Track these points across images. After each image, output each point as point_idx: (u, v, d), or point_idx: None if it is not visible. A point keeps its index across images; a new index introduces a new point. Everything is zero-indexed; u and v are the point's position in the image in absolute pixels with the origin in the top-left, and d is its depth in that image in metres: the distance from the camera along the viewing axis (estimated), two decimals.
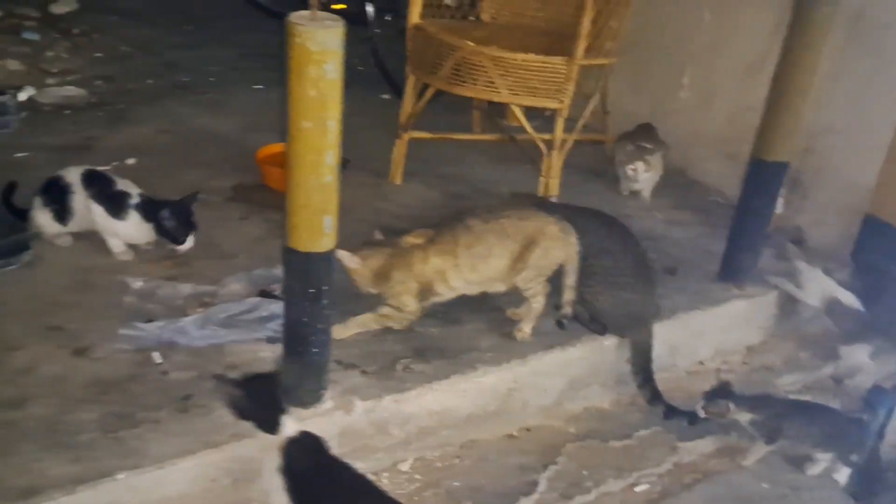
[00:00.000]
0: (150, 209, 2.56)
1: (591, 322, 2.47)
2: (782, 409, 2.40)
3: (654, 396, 2.42)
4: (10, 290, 2.39)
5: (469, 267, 2.28)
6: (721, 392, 2.36)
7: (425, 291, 2.31)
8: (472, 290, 2.37)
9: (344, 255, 2.19)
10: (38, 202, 2.58)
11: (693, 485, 2.31)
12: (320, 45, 1.66)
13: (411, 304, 2.31)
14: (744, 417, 2.36)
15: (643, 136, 3.26)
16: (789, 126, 2.57)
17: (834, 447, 2.38)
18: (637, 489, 2.28)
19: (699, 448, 2.41)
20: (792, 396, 2.59)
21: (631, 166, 3.17)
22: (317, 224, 1.86)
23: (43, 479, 1.79)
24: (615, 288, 2.41)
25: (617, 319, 2.44)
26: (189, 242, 2.58)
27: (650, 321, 2.45)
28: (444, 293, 2.33)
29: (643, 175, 3.18)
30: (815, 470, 2.39)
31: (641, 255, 2.47)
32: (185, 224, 2.58)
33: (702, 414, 2.34)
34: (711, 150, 3.45)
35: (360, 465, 2.15)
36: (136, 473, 1.84)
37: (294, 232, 1.88)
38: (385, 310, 2.33)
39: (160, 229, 2.56)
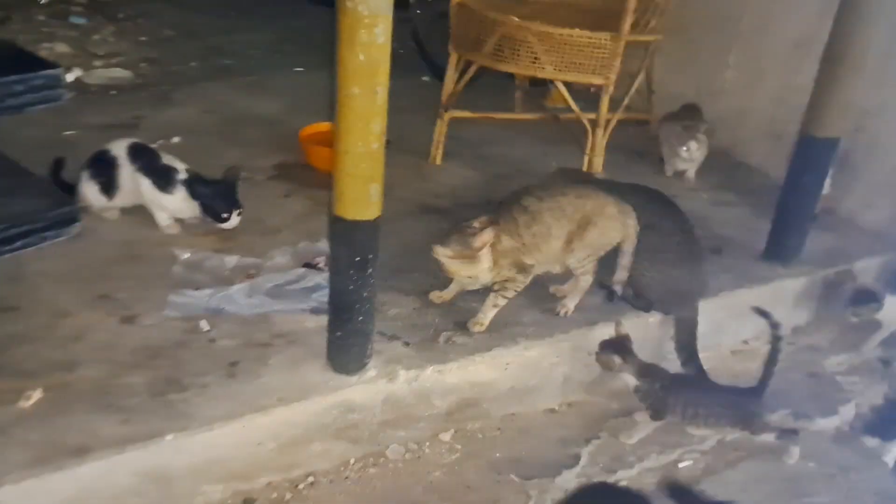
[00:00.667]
0: (195, 186, 2.59)
1: (636, 299, 2.45)
2: (668, 383, 2.26)
3: (699, 374, 2.39)
4: (59, 261, 2.44)
5: (533, 246, 2.27)
6: (615, 345, 2.25)
7: (517, 265, 2.27)
8: (546, 269, 2.34)
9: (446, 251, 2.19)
10: (85, 175, 2.63)
11: (737, 462, 2.28)
12: (371, 8, 1.67)
13: (516, 277, 2.27)
14: (630, 381, 2.25)
15: (689, 115, 3.22)
16: (840, 101, 2.52)
17: (722, 426, 2.27)
18: (680, 465, 2.26)
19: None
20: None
21: (683, 146, 3.12)
22: (363, 192, 1.87)
23: (94, 439, 1.83)
24: (662, 264, 2.38)
25: (662, 296, 2.41)
26: (234, 220, 2.61)
27: (696, 299, 2.43)
28: (530, 270, 2.29)
29: (696, 154, 3.13)
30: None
31: (689, 232, 2.44)
32: (229, 202, 2.61)
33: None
34: (757, 131, 3.40)
35: (402, 434, 2.18)
36: (183, 435, 1.87)
37: (340, 200, 1.89)
38: (497, 299, 2.29)
39: (205, 207, 2.59)
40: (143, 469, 1.85)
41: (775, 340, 2.23)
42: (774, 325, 2.24)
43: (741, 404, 2.26)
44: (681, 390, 2.27)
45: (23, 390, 1.92)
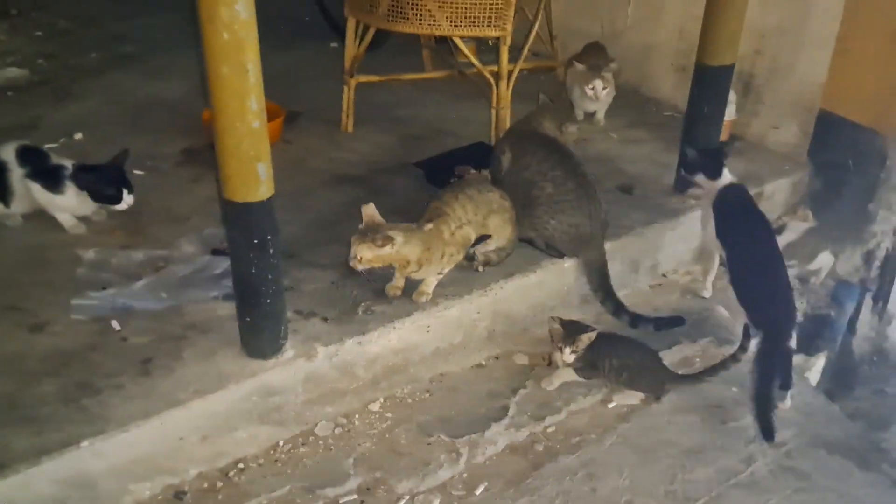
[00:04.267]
0: (82, 177, 2.52)
1: (547, 248, 2.47)
2: (594, 345, 2.25)
3: (618, 308, 2.43)
4: None
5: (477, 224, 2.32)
6: (570, 327, 2.25)
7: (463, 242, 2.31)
8: None
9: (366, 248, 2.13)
10: None
11: (663, 394, 2.33)
12: None
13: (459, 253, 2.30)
14: (567, 346, 2.24)
15: (594, 55, 3.21)
16: (731, 28, 2.53)
17: (635, 384, 2.29)
18: (609, 406, 2.30)
19: (674, 356, 2.42)
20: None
21: (589, 86, 3.12)
22: (251, 172, 1.83)
23: (7, 454, 1.80)
24: (560, 213, 2.40)
25: (567, 243, 2.44)
26: (126, 200, 2.54)
27: (599, 240, 2.45)
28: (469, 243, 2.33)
29: (603, 94, 3.13)
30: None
31: (582, 176, 2.45)
32: (117, 183, 2.53)
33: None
34: (663, 65, 3.42)
35: (330, 410, 2.19)
36: (101, 439, 1.85)
37: (228, 183, 1.85)
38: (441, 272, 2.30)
39: (92, 193, 2.52)
40: (64, 477, 1.83)
41: (733, 357, 2.25)
42: (743, 348, 2.24)
43: (655, 369, 2.30)
44: (605, 353, 2.26)
45: None
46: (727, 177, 2.46)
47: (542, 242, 2.46)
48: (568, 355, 2.23)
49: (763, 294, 2.32)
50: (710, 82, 2.62)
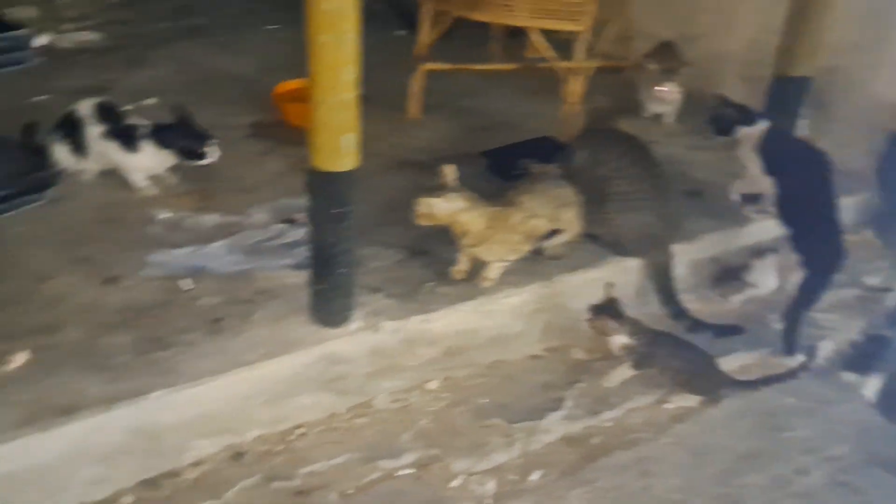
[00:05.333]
0: (162, 135, 2.56)
1: (613, 246, 2.47)
2: (654, 339, 2.27)
3: (679, 313, 2.43)
4: (38, 225, 2.43)
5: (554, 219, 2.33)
6: (607, 309, 2.26)
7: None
8: None
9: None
10: (54, 137, 2.60)
11: (719, 399, 2.33)
12: None
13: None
14: (622, 341, 2.26)
15: (666, 55, 3.19)
16: (812, 40, 2.53)
17: (691, 386, 2.30)
18: (666, 406, 2.30)
19: (732, 363, 2.41)
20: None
21: (659, 87, 3.11)
22: (338, 143, 1.87)
23: (82, 398, 1.84)
24: (631, 211, 2.40)
25: (634, 242, 2.44)
26: (214, 153, 2.57)
27: (668, 242, 2.45)
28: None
29: (674, 97, 3.12)
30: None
31: (660, 177, 2.45)
32: (198, 136, 2.57)
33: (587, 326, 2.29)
34: (733, 74, 3.40)
35: (389, 384, 2.21)
36: (170, 392, 1.89)
37: (316, 152, 1.89)
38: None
39: (179, 150, 2.56)
40: (133, 426, 1.87)
41: (793, 372, 2.30)
42: (805, 366, 2.31)
43: (708, 370, 2.29)
44: (661, 349, 2.27)
45: (7, 353, 1.93)
46: (763, 122, 2.51)
47: (609, 239, 2.46)
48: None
49: (813, 227, 2.35)
50: (785, 93, 2.61)
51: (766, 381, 2.30)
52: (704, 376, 2.29)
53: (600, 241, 2.48)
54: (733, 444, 2.20)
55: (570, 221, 2.36)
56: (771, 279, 2.66)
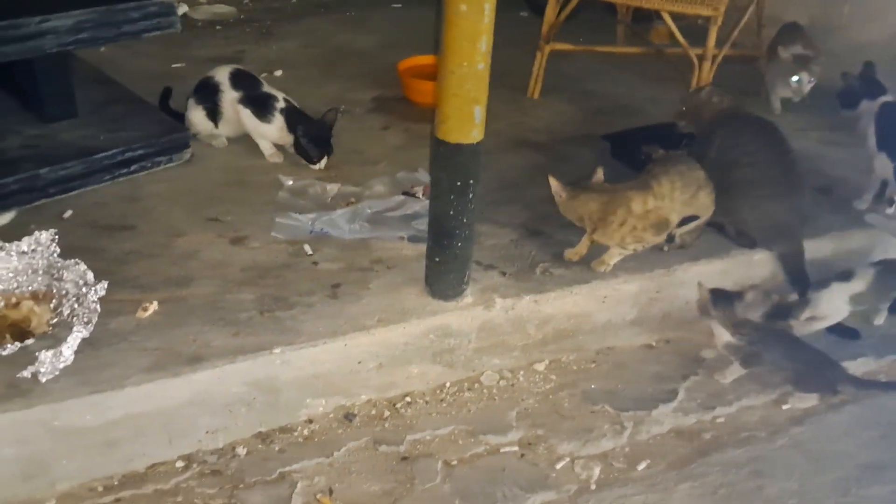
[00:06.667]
0: (293, 119, 2.63)
1: (738, 236, 2.39)
2: (765, 338, 2.18)
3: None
4: (173, 185, 2.54)
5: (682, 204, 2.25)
6: (721, 295, 2.17)
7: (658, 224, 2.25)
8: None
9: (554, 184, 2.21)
10: (191, 101, 2.72)
11: (841, 406, 2.21)
12: None
13: (649, 237, 2.24)
14: (723, 335, 2.17)
15: (797, 41, 3.03)
16: None
17: (805, 387, 2.19)
18: (784, 407, 2.21)
19: (858, 368, 2.30)
20: None
21: (794, 77, 2.96)
22: (467, 114, 1.87)
23: (207, 349, 1.92)
24: (759, 200, 2.30)
25: (761, 232, 2.34)
26: (322, 163, 2.64)
27: (797, 232, 2.34)
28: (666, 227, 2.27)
29: (808, 87, 2.97)
30: None
31: (790, 165, 2.34)
32: (322, 144, 2.63)
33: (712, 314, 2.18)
34: (878, 67, 3.20)
35: (497, 361, 2.21)
36: (290, 349, 1.95)
37: (444, 122, 1.89)
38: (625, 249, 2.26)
39: (298, 145, 2.62)
40: (253, 379, 1.94)
41: None
42: None
43: (825, 370, 2.18)
44: (774, 348, 2.18)
45: (140, 302, 2.03)
46: (884, 95, 2.57)
47: (732, 230, 2.37)
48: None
49: None
50: None
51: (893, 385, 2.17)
52: (821, 374, 2.19)
53: (725, 231, 2.39)
54: (856, 452, 2.09)
55: (706, 206, 2.28)
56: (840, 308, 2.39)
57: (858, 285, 2.31)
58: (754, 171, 2.30)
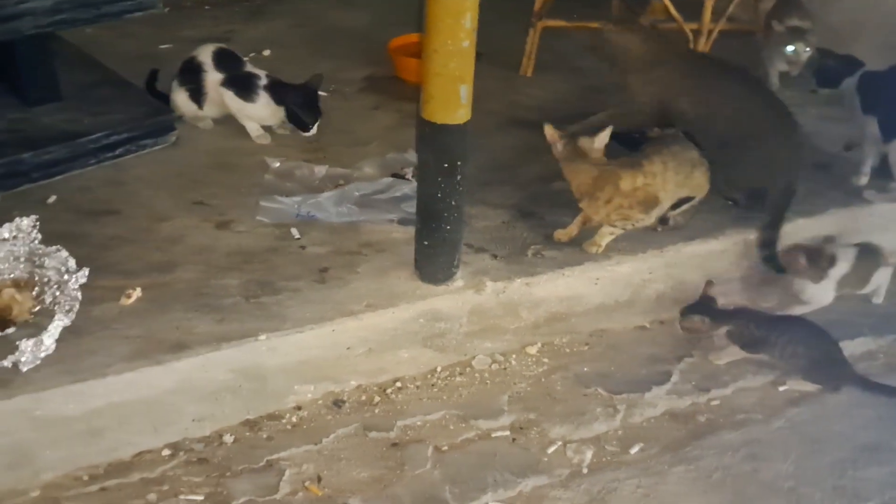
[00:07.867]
0: (278, 91, 2.59)
1: (748, 199, 2.37)
2: (765, 321, 2.18)
3: (769, 257, 2.30)
4: (157, 168, 2.50)
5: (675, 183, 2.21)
6: (699, 307, 2.16)
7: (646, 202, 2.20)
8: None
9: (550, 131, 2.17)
10: (175, 83, 2.67)
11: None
12: None
13: (638, 214, 2.19)
14: (720, 331, 2.17)
15: (790, 10, 2.97)
16: None
17: (812, 377, 2.15)
18: (780, 388, 2.18)
19: (856, 347, 2.27)
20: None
21: (789, 47, 2.91)
22: (452, 93, 1.82)
23: (191, 336, 1.89)
24: (752, 146, 2.29)
25: (759, 177, 2.33)
26: (314, 129, 2.60)
27: (795, 172, 2.32)
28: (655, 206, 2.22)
29: (804, 57, 2.92)
30: None
31: (777, 106, 2.37)
32: (313, 110, 2.59)
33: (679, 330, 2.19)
34: (875, 43, 3.14)
35: (489, 345, 2.18)
36: (277, 335, 1.91)
37: (429, 102, 1.85)
38: (615, 228, 2.22)
39: (289, 114, 2.59)
40: (239, 366, 1.91)
41: None
42: None
43: (833, 360, 2.15)
44: (778, 334, 2.15)
45: (123, 288, 2.00)
46: (862, 68, 2.59)
47: (739, 196, 2.38)
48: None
49: None
50: None
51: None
52: (827, 366, 2.15)
53: (733, 201, 2.39)
54: (853, 433, 2.07)
55: (700, 186, 2.24)
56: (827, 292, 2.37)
57: (843, 268, 2.30)
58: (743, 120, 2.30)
